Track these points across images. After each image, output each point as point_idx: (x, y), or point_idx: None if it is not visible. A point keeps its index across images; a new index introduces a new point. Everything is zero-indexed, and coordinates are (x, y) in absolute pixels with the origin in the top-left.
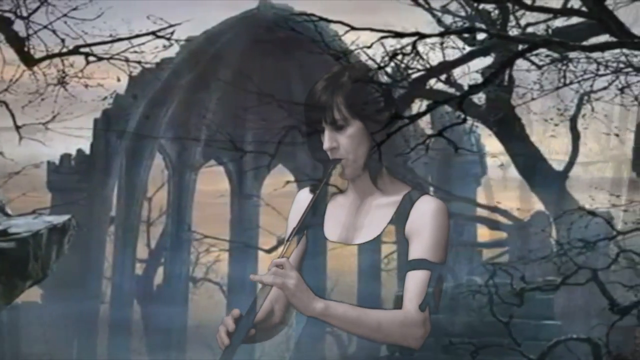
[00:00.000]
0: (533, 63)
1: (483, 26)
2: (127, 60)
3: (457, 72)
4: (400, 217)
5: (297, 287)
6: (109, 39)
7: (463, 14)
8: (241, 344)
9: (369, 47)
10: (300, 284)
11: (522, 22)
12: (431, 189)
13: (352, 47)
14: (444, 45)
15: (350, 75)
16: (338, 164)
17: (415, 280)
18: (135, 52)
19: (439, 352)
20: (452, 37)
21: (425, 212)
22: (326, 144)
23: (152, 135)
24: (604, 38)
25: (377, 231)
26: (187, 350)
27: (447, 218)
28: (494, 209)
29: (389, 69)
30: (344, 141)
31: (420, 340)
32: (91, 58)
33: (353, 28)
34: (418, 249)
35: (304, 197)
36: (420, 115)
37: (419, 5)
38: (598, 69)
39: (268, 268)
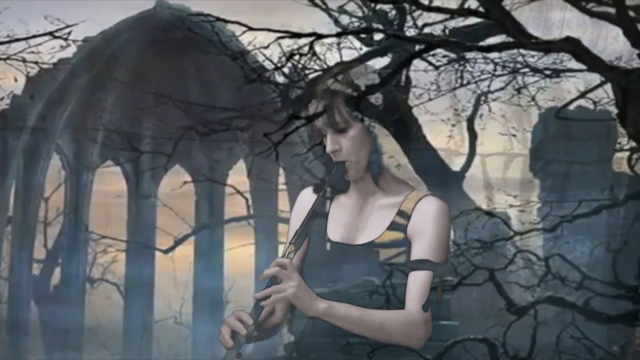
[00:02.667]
0: (430, 63)
1: (380, 26)
2: (24, 60)
3: (354, 72)
4: (402, 218)
5: (299, 289)
6: (6, 39)
7: (360, 14)
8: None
9: (266, 48)
10: (302, 285)
11: (419, 22)
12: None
13: (249, 48)
14: (341, 45)
15: (348, 77)
16: (341, 167)
17: (418, 281)
18: (33, 52)
19: (337, 353)
20: (349, 37)
21: (427, 212)
22: (329, 147)
23: (50, 136)
24: (501, 38)
25: (378, 232)
26: (84, 350)
27: (449, 218)
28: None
29: (286, 70)
30: (346, 143)
31: (422, 341)
32: None
33: (250, 28)
34: (420, 250)
35: (307, 197)
36: (317, 115)
37: (316, 5)
38: (495, 70)
39: (271, 266)
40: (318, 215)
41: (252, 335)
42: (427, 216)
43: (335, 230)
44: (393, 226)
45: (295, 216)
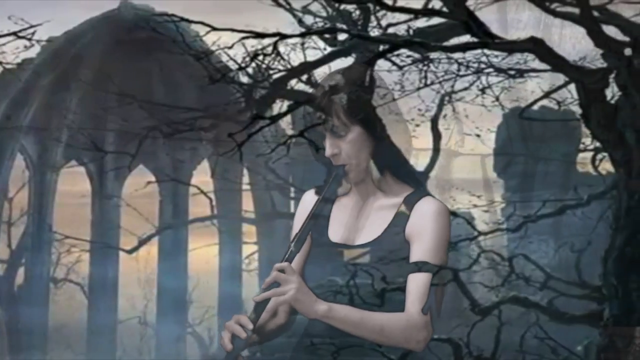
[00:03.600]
0: (394, 63)
1: (344, 27)
2: None
3: (318, 72)
4: (401, 219)
5: (299, 291)
6: None
7: (324, 14)
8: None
9: (230, 48)
10: (302, 288)
11: (383, 22)
12: (292, 189)
13: (214, 48)
14: (305, 45)
15: (347, 80)
16: (341, 170)
17: (417, 283)
18: None
19: (301, 353)
20: (314, 37)
21: (426, 213)
22: (328, 151)
23: (14, 136)
24: (465, 39)
25: (378, 232)
26: (48, 350)
27: (448, 219)
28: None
29: (250, 70)
30: (345, 147)
31: (423, 343)
32: None
33: (214, 28)
34: (419, 251)
35: (310, 198)
36: (281, 115)
37: (280, 5)
38: (459, 70)
39: (271, 274)
40: (319, 217)
41: (252, 339)
42: (426, 217)
43: (336, 232)
44: (392, 227)
45: (298, 218)
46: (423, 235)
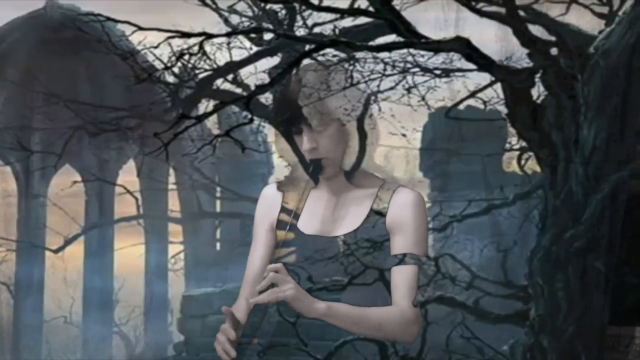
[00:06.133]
0: (320, 63)
1: (270, 26)
2: None
3: (244, 72)
4: (380, 207)
5: (298, 290)
6: None
7: (250, 14)
8: None
9: (156, 47)
10: (299, 287)
11: (309, 22)
12: (218, 189)
13: (139, 47)
14: (231, 45)
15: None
16: (318, 164)
17: (405, 276)
18: None
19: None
20: (240, 37)
21: (405, 204)
22: (306, 145)
23: None
24: (391, 38)
25: (357, 222)
26: None
27: (425, 209)
28: (281, 209)
29: (176, 69)
30: (323, 141)
31: (416, 336)
32: None
33: (140, 28)
34: (403, 243)
35: (272, 192)
36: (207, 115)
37: (206, 5)
38: (385, 69)
39: (264, 276)
40: (286, 211)
41: (253, 342)
42: (405, 208)
43: (307, 224)
44: (372, 215)
45: (263, 213)
46: (404, 227)
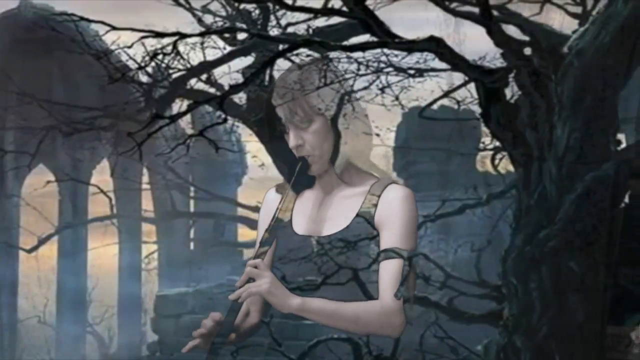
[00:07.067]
0: (294, 63)
1: (244, 26)
2: None
3: (217, 72)
4: (369, 207)
5: (273, 286)
6: None
7: (224, 13)
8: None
9: (129, 47)
10: (275, 282)
11: (283, 22)
12: (191, 188)
13: (113, 47)
14: (205, 45)
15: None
16: (305, 162)
17: (389, 270)
18: None
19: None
20: (213, 37)
21: (393, 200)
22: (292, 142)
23: None
24: (365, 38)
25: (346, 222)
26: None
27: (415, 205)
28: (255, 209)
29: (149, 69)
30: (309, 138)
31: (399, 329)
32: None
33: (114, 28)
34: (390, 238)
35: (273, 197)
36: (180, 115)
37: (179, 5)
38: (359, 69)
39: (245, 270)
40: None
41: (232, 339)
42: (393, 204)
43: (299, 224)
44: (360, 215)
45: (263, 217)
46: (392, 222)
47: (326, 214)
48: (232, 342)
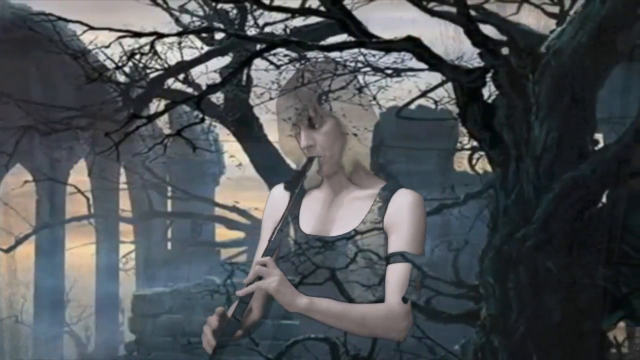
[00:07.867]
0: (271, 63)
1: (221, 26)
2: None
3: (195, 71)
4: (378, 210)
5: (281, 284)
6: None
7: (201, 13)
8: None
9: (107, 47)
10: (284, 280)
11: (260, 21)
12: (169, 188)
13: (91, 47)
14: (182, 45)
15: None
16: (314, 162)
17: (397, 273)
18: None
19: (178, 352)
20: (191, 36)
21: (403, 204)
22: (303, 143)
23: None
24: (342, 38)
25: (354, 223)
26: None
27: (424, 210)
28: (232, 209)
29: (127, 69)
30: (320, 139)
31: (404, 333)
32: None
33: (91, 28)
34: (398, 242)
35: (278, 193)
36: (158, 114)
37: (157, 5)
38: (336, 69)
39: (252, 267)
40: (291, 209)
41: (238, 335)
42: (403, 208)
43: (307, 224)
44: (369, 217)
45: (269, 214)
46: (401, 226)
47: (336, 215)
48: (238, 339)
